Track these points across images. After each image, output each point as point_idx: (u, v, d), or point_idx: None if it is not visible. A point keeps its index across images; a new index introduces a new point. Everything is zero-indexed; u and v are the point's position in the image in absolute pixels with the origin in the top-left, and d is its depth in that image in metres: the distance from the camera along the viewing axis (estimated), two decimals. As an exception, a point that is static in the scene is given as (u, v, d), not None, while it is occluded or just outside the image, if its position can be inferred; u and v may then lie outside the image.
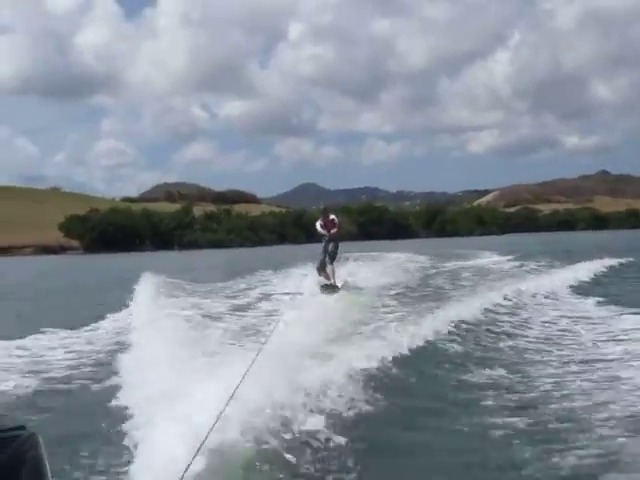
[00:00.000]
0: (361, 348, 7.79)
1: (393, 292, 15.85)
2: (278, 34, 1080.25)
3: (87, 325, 12.41)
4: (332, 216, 16.71)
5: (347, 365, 6.74)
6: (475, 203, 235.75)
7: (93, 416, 6.21)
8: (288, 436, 4.99)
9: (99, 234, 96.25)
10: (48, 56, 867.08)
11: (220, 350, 8.08)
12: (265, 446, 4.73)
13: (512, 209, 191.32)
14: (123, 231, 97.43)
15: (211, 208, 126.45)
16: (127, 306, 14.70)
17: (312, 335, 8.83)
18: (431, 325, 9.56)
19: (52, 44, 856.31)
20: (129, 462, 4.50)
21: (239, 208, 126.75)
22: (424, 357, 8.01)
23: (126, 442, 4.99)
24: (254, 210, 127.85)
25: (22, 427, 1.57)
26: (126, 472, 4.37)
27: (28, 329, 11.54)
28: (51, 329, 11.51)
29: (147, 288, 17.45)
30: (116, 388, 6.95)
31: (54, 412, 6.57)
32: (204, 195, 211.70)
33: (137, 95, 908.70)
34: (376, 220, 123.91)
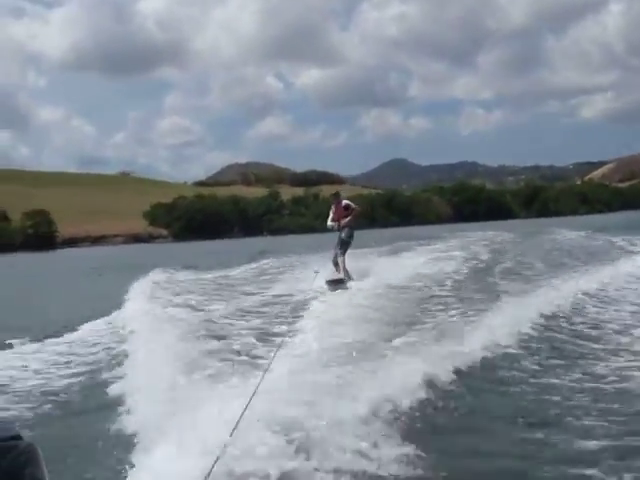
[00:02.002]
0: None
1: (416, 290, 14.89)
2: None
3: (90, 321, 13.39)
4: (345, 201, 16.87)
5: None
6: (587, 177, 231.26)
7: (92, 428, 6.67)
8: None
9: (187, 222, 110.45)
10: (106, 26, 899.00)
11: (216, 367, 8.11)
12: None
13: (627, 183, 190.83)
14: (210, 218, 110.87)
15: (295, 191, 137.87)
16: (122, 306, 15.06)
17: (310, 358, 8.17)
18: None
19: (110, 12, 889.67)
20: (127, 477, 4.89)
21: (325, 190, 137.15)
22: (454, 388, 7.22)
23: (125, 458, 5.33)
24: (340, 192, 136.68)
25: (18, 437, 1.61)
26: None
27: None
28: (43, 334, 12.13)
29: (149, 284, 18.34)
30: (113, 401, 7.40)
31: (49, 423, 6.90)
32: (282, 177, 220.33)
33: (204, 66, 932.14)
34: (472, 200, 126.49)
